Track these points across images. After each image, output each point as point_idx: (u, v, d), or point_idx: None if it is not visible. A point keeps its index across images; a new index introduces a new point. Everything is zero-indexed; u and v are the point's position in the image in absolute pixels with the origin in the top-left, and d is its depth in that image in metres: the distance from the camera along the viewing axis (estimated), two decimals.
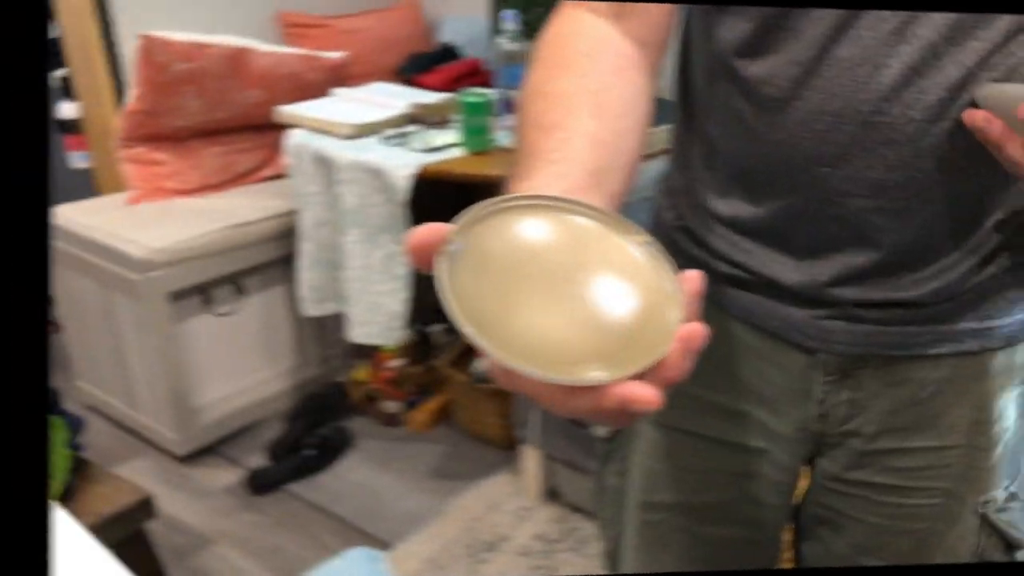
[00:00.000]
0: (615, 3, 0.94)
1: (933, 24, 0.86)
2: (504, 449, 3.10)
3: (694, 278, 0.66)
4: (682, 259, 1.01)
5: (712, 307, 0.86)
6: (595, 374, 0.60)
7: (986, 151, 0.87)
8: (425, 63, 3.73)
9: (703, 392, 1.16)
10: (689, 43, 1.08)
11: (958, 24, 0.85)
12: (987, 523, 1.14)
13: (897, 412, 1.10)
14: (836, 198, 0.95)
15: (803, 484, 1.24)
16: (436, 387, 3.35)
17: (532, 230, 0.68)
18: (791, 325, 1.07)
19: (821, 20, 0.89)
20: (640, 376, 0.60)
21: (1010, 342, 1.07)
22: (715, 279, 1.08)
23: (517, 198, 0.68)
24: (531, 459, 2.84)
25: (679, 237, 1.14)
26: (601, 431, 1.31)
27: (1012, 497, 1.15)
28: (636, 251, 0.69)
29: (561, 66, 0.90)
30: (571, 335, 0.63)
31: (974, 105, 0.86)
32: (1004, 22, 0.85)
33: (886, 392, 1.09)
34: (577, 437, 2.61)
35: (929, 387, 1.08)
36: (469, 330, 0.58)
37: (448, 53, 3.82)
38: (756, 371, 1.13)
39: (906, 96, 0.88)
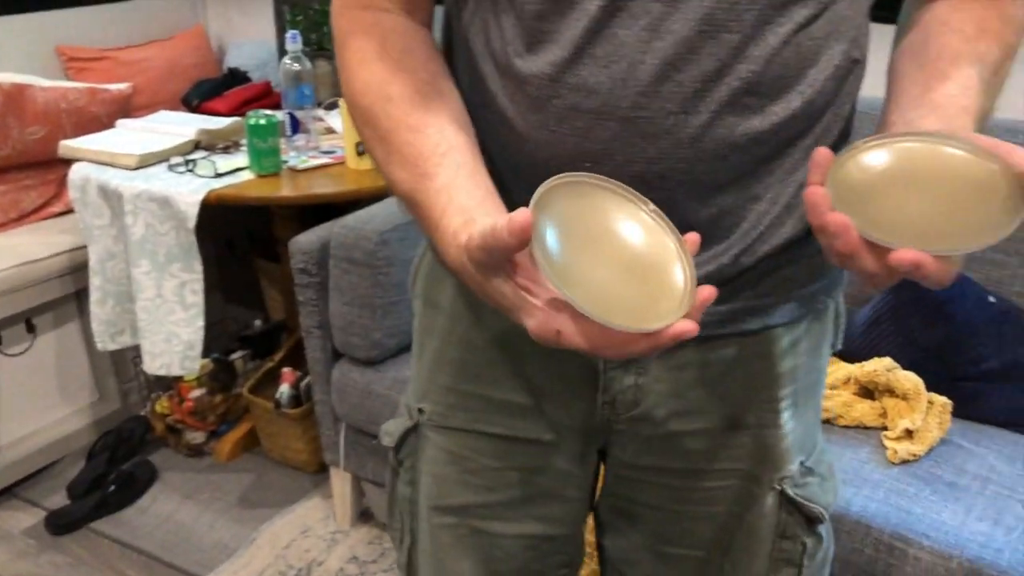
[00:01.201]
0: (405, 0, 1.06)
1: (686, 19, 0.88)
2: (313, 474, 3.09)
3: (695, 241, 0.84)
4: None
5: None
6: (659, 323, 0.77)
7: (747, 140, 0.93)
8: (212, 89, 3.65)
9: (488, 390, 1.16)
10: (452, 46, 1.10)
11: (709, 18, 0.88)
12: (785, 499, 1.14)
13: (684, 395, 1.10)
14: None
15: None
16: (240, 415, 3.30)
17: (587, 203, 0.84)
18: None
19: (578, 22, 0.91)
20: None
21: (792, 320, 1.09)
22: None
23: (587, 175, 0.84)
24: (340, 482, 2.82)
25: None
26: (387, 440, 1.29)
27: (808, 472, 1.17)
28: (647, 218, 0.85)
29: (392, 67, 1.00)
30: (618, 288, 0.80)
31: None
32: (753, 14, 0.89)
33: (670, 376, 1.09)
34: (385, 455, 2.51)
35: (714, 368, 1.09)
36: (556, 282, 0.74)
37: (235, 78, 3.75)
38: (539, 363, 1.12)
39: (663, 91, 0.90)
